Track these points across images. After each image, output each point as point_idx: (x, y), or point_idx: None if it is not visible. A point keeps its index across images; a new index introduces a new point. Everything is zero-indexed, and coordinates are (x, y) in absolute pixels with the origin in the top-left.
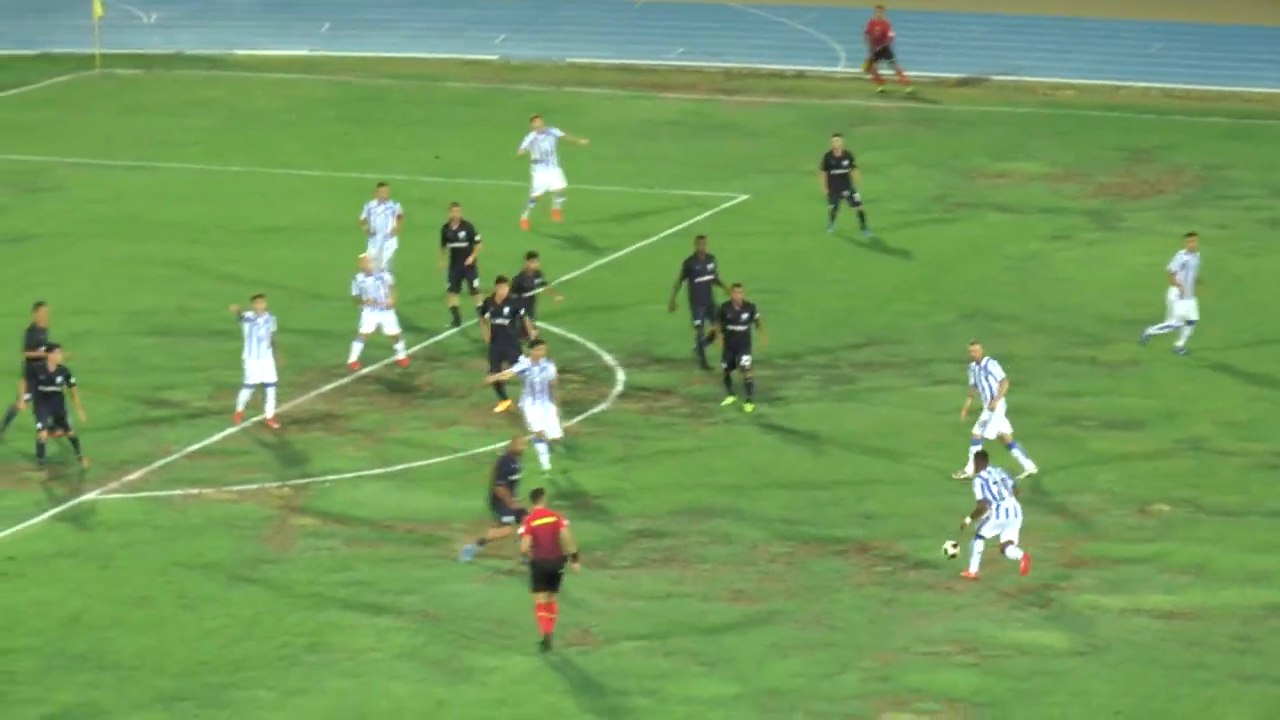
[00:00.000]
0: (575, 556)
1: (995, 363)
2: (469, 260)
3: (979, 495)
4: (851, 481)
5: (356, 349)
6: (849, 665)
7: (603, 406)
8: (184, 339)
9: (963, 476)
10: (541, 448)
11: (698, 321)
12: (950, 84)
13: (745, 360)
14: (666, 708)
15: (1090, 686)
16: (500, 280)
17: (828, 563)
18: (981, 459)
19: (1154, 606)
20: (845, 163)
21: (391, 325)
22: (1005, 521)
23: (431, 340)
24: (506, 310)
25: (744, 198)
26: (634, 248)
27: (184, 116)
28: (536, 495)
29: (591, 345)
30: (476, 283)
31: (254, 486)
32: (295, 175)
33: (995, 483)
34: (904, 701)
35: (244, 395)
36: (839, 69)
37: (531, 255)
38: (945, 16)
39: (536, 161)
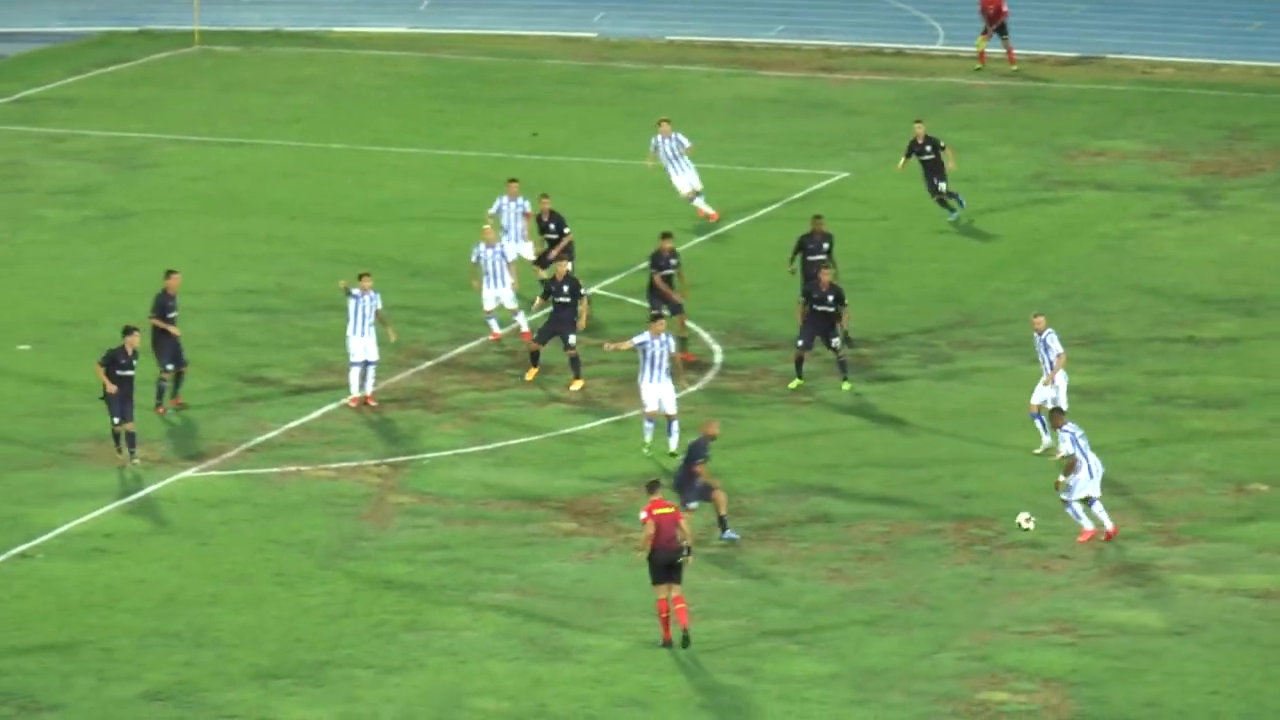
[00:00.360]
0: (689, 549)
1: (1055, 335)
2: (553, 253)
3: (1069, 450)
4: (949, 460)
5: (493, 324)
6: (946, 644)
7: (700, 385)
8: (282, 316)
9: (1042, 451)
10: (649, 426)
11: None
12: (1049, 62)
13: (835, 342)
14: (763, 686)
15: (1187, 666)
16: (561, 259)
17: (925, 541)
18: (1058, 415)
19: (1251, 586)
20: (929, 148)
21: (510, 300)
22: (1091, 480)
23: (533, 317)
24: (566, 289)
25: (843, 176)
26: (732, 225)
27: (283, 94)
28: (653, 486)
29: (690, 323)
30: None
31: (352, 464)
32: (393, 153)
33: (1080, 437)
34: (1000, 681)
35: (354, 376)
36: (938, 47)
37: (666, 235)
38: None
39: (666, 166)
